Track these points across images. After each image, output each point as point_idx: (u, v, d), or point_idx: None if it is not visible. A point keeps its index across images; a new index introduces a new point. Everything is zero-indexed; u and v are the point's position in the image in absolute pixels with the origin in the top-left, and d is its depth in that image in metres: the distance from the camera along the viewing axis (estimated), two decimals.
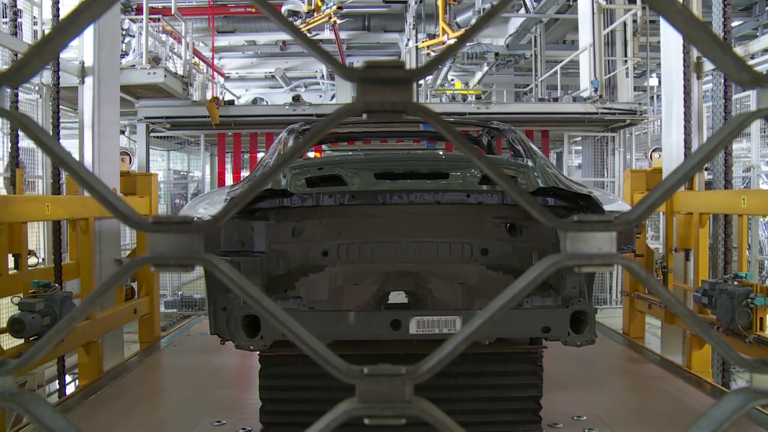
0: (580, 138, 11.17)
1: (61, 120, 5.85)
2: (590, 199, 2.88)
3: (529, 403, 3.31)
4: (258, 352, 3.19)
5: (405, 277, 3.68)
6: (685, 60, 6.23)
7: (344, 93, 13.62)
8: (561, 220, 0.56)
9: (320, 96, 17.18)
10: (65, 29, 0.55)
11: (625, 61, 10.40)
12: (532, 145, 3.76)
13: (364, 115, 0.55)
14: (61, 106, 5.89)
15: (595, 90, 9.92)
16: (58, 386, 5.69)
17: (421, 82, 13.07)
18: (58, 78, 5.82)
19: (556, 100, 10.37)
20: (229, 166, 11.90)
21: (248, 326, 2.91)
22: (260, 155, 11.57)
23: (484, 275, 3.54)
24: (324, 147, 9.20)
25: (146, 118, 9.53)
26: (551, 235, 3.15)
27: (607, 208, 2.94)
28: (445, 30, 12.31)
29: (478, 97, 13.44)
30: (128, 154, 6.68)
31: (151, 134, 9.84)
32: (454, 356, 0.55)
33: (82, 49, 6.18)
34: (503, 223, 3.48)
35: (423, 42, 13.13)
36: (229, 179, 11.96)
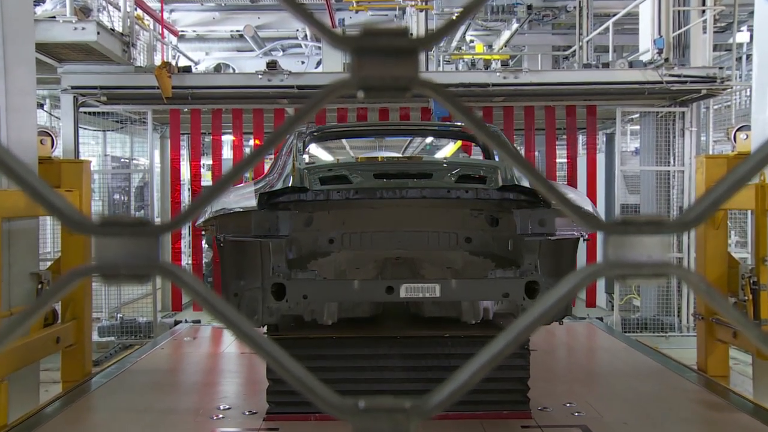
0: (637, 115, 11.18)
1: None
2: None
3: (518, 384, 4.72)
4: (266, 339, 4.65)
5: (400, 263, 5.05)
6: None
7: (332, 59, 13.60)
8: (601, 221, 0.59)
9: (303, 63, 17.17)
10: None
11: (703, 12, 10.22)
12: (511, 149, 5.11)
13: (360, 93, 0.57)
14: None
15: (660, 51, 9.94)
16: None
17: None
18: None
19: (606, 65, 10.40)
20: (185, 152, 11.89)
21: (276, 293, 4.40)
22: (226, 138, 11.57)
23: (468, 260, 5.00)
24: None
25: (73, 87, 9.56)
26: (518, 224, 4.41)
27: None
28: None
29: (504, 64, 13.41)
30: (50, 135, 6.68)
31: (81, 109, 9.87)
32: (469, 387, 0.59)
33: None
34: (482, 215, 4.94)
35: None
36: (185, 168, 11.96)
